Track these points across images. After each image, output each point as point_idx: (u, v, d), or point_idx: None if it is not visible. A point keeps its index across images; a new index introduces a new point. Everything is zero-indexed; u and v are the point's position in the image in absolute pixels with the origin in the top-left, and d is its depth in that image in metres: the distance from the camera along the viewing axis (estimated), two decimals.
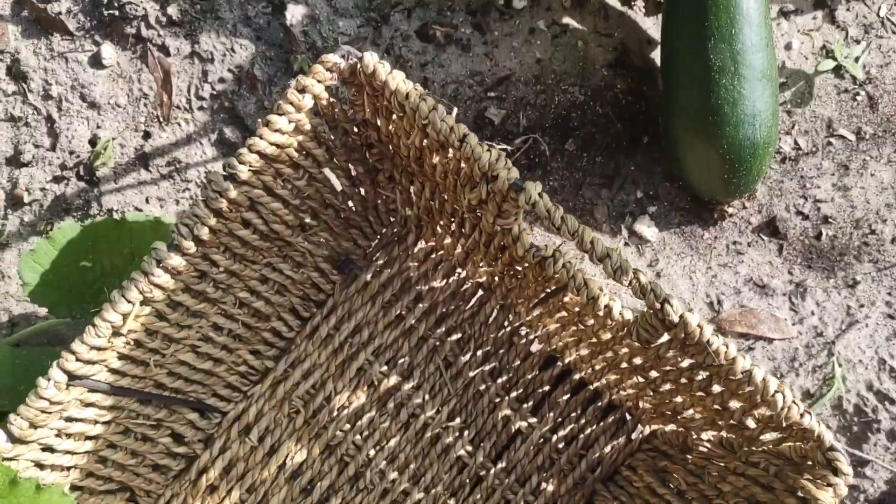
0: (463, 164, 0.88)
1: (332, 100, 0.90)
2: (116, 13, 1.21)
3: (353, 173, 1.02)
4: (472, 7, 1.22)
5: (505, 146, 1.18)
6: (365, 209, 1.07)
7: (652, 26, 1.23)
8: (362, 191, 1.04)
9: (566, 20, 1.22)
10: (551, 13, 1.22)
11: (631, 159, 1.20)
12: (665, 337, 0.83)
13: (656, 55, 1.22)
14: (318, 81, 0.86)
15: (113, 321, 0.82)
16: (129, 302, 0.82)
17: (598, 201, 1.18)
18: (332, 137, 0.94)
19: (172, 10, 1.21)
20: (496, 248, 0.95)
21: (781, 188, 1.17)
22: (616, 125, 1.20)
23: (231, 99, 1.20)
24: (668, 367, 0.90)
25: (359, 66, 0.86)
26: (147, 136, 1.21)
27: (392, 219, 1.11)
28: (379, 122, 0.93)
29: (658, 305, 0.77)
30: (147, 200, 1.19)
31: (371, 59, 0.85)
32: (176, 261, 0.84)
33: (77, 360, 0.82)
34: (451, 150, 0.87)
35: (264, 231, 0.95)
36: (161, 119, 1.21)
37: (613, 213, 1.18)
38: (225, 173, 0.85)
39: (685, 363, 0.87)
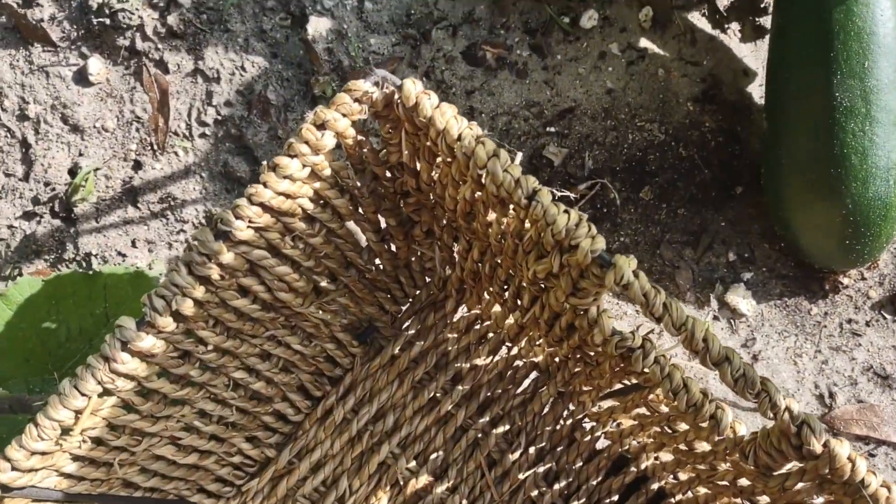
0: (528, 227, 0.68)
1: (359, 138, 0.70)
2: (107, 21, 1.02)
3: (384, 226, 0.81)
4: (531, 26, 1.02)
5: (566, 192, 0.97)
6: (395, 268, 0.86)
7: (749, 54, 1.02)
8: (393, 247, 0.84)
9: (644, 44, 1.01)
10: (626, 35, 1.02)
11: (721, 213, 0.98)
12: (795, 464, 0.61)
13: (754, 89, 1.01)
14: (343, 115, 0.66)
15: (61, 419, 0.62)
16: (84, 395, 0.62)
17: (680, 263, 0.97)
18: (359, 184, 0.73)
19: (173, 20, 1.02)
20: (562, 327, 0.74)
21: None
22: (703, 171, 0.99)
23: (239, 126, 1.00)
24: (790, 502, 0.68)
25: (396, 96, 0.66)
26: (138, 166, 1.01)
27: (428, 279, 0.90)
28: (419, 167, 0.72)
29: (794, 429, 0.57)
30: (133, 243, 0.99)
31: (412, 87, 0.65)
32: (148, 342, 0.64)
33: (14, 468, 0.62)
34: (513, 207, 0.66)
35: (267, 300, 0.74)
36: (155, 147, 1.01)
37: (700, 279, 0.96)
38: (217, 231, 0.65)
39: (819, 500, 0.65)
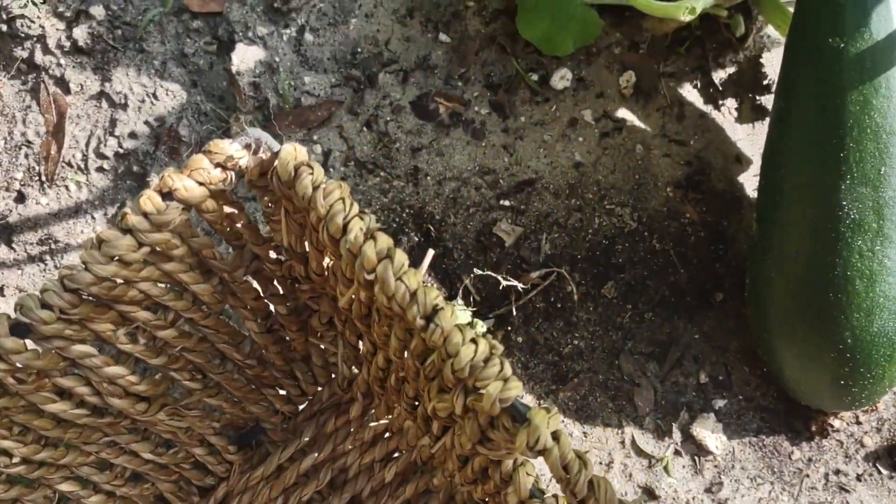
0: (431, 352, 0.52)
1: (228, 210, 0.55)
2: (3, 28, 0.87)
3: (273, 312, 0.66)
4: (494, 80, 0.87)
5: (513, 281, 0.82)
6: (289, 362, 0.70)
7: (744, 137, 0.87)
8: (287, 337, 0.68)
9: (623, 113, 0.86)
10: (603, 101, 0.87)
11: (695, 324, 0.82)
12: None
13: (747, 179, 0.86)
14: (200, 183, 0.50)
15: None
16: None
17: (641, 380, 0.81)
18: (233, 267, 0.58)
19: (80, 33, 0.87)
20: (474, 470, 0.58)
21: None
22: (679, 271, 0.83)
23: (143, 162, 0.85)
24: None
25: (274, 166, 0.51)
26: (20, 198, 0.86)
27: (333, 375, 0.74)
28: (308, 250, 0.57)
29: None
30: (2, 291, 0.83)
31: (291, 157, 0.50)
32: None
33: None
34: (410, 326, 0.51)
35: (96, 404, 0.59)
36: (44, 177, 0.86)
37: (663, 402, 0.80)
38: (15, 322, 0.50)
39: None
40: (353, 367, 0.71)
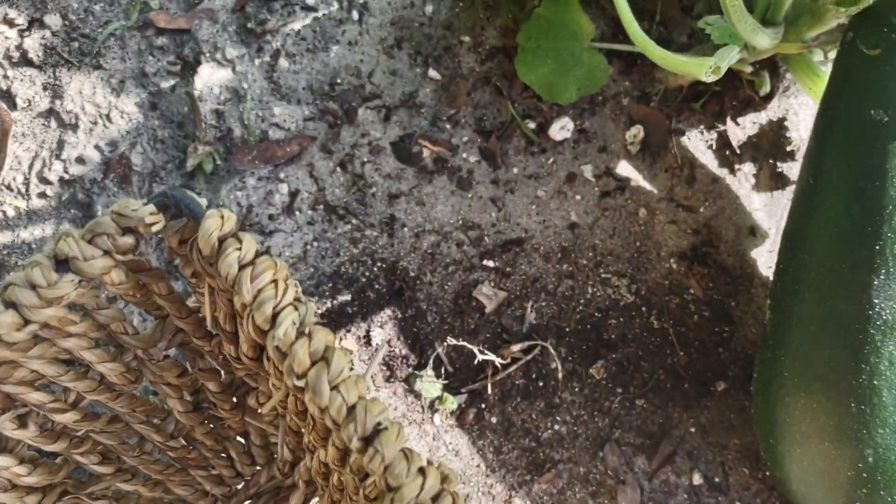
0: (371, 474, 0.44)
1: (145, 280, 0.46)
2: None
3: (203, 387, 0.57)
4: (486, 125, 0.78)
5: (490, 356, 0.73)
6: (222, 440, 0.61)
7: (762, 207, 0.78)
8: (219, 415, 0.59)
9: (627, 172, 0.78)
10: (606, 157, 0.78)
11: (692, 415, 0.73)
12: None
13: (761, 254, 0.77)
14: (104, 251, 0.41)
15: None
16: None
17: (626, 476, 0.72)
18: (148, 344, 0.49)
19: (32, 44, 0.79)
20: None
21: None
22: (677, 353, 0.74)
23: (89, 191, 0.77)
24: None
25: (196, 236, 0.42)
26: None
27: (274, 455, 0.65)
28: (239, 331, 0.48)
29: None
30: None
31: (217, 223, 0.41)
32: None
33: None
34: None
35: None
36: None
37: (649, 503, 0.71)
38: None
39: None
40: (295, 450, 0.62)
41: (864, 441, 0.60)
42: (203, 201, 0.43)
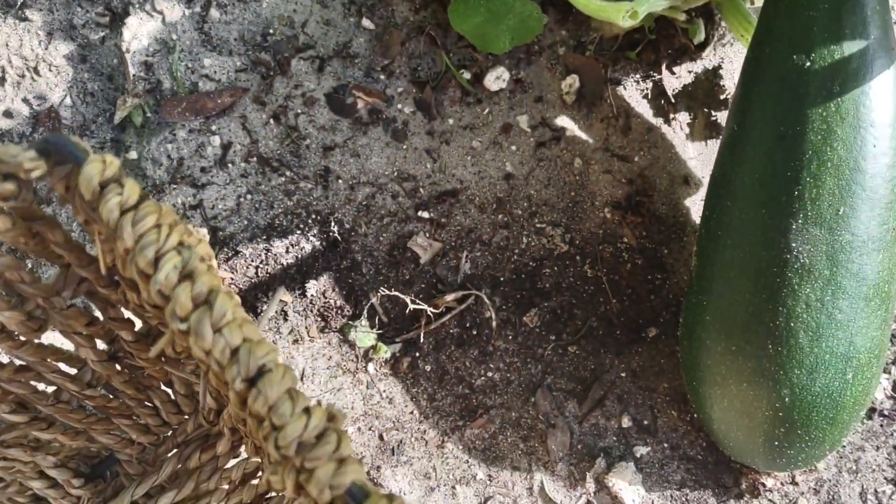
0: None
1: (37, 227, 0.46)
2: None
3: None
4: (421, 75, 0.78)
5: (422, 305, 0.74)
6: (143, 389, 0.62)
7: (696, 157, 0.78)
8: (140, 362, 0.59)
9: (563, 122, 0.77)
10: (542, 107, 0.78)
11: (623, 360, 0.74)
12: None
13: (694, 203, 0.77)
14: None
15: None
16: None
17: (557, 420, 0.73)
18: (53, 290, 0.49)
19: None
20: None
21: (859, 461, 0.71)
22: (610, 300, 0.75)
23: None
24: None
25: (78, 180, 0.42)
26: None
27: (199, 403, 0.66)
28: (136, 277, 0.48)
29: None
30: None
31: (99, 168, 0.41)
32: None
33: None
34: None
35: None
36: None
37: (579, 447, 0.72)
38: None
39: None
40: (220, 399, 0.63)
41: (782, 381, 0.61)
42: (87, 147, 0.43)
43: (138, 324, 0.59)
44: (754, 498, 0.70)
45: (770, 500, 0.71)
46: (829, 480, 0.71)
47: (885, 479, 0.70)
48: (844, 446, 0.71)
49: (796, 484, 0.71)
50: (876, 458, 0.71)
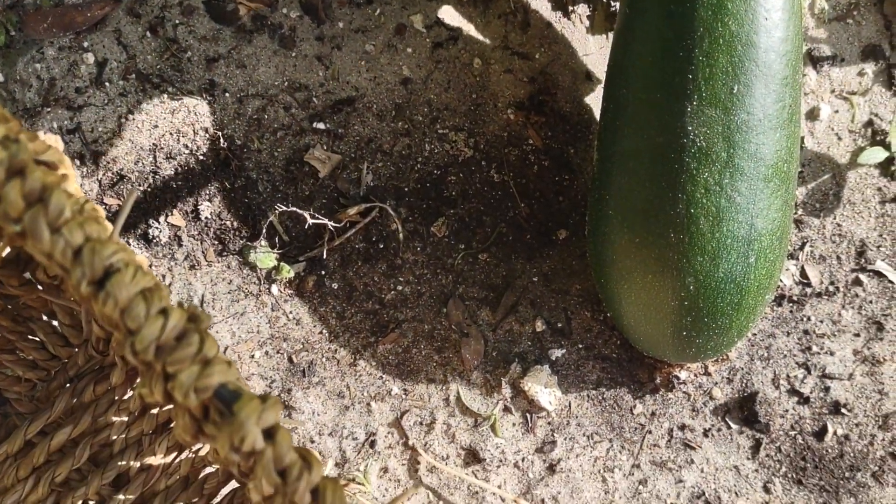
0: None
1: None
2: None
3: None
4: None
5: (322, 219, 0.70)
6: (24, 321, 0.58)
7: (597, 52, 0.75)
8: (12, 290, 0.55)
9: (459, 21, 0.74)
10: (436, 5, 0.74)
11: (535, 265, 0.72)
12: None
13: (597, 99, 0.75)
14: None
15: None
16: None
17: (470, 329, 0.71)
18: None
19: None
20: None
21: (770, 347, 0.71)
22: (518, 205, 0.73)
23: None
24: None
25: None
26: None
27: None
28: None
29: None
30: None
31: None
32: None
33: None
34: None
35: None
36: None
37: (493, 354, 0.71)
38: None
39: None
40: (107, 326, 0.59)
41: (685, 270, 0.60)
42: None
43: (6, 249, 0.55)
44: (669, 391, 0.70)
45: (685, 392, 0.71)
46: (742, 368, 0.71)
47: (797, 363, 0.71)
48: (755, 334, 0.71)
49: (709, 374, 0.71)
50: (787, 344, 0.71)
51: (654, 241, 0.60)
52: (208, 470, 0.61)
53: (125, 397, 0.62)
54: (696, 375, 0.70)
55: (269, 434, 0.36)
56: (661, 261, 0.60)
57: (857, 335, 0.71)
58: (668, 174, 0.59)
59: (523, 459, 0.69)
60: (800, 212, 0.72)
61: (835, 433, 0.70)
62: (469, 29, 0.74)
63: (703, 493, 0.69)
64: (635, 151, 0.61)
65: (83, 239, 0.36)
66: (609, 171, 0.63)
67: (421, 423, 0.69)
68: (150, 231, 0.70)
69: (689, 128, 0.58)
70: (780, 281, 0.72)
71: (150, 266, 0.70)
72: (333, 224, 0.70)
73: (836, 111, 0.73)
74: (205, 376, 0.36)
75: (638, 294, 0.63)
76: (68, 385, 0.62)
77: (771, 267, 0.61)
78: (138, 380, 0.62)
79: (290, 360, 0.70)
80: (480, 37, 0.74)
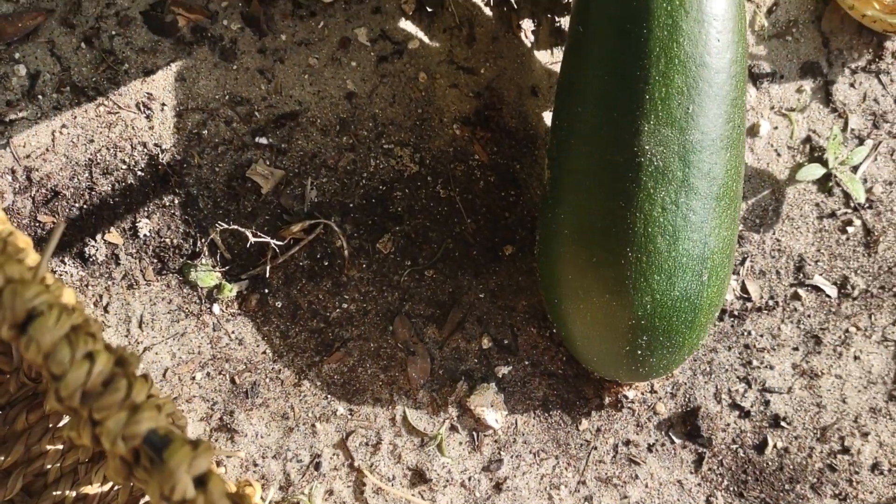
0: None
1: None
2: None
3: None
4: None
5: (264, 237, 0.69)
6: None
7: (542, 66, 0.75)
8: None
9: (404, 34, 0.73)
10: (381, 18, 0.73)
11: (481, 281, 0.72)
12: None
13: (543, 115, 0.75)
14: None
15: None
16: None
17: (417, 347, 0.70)
18: None
19: None
20: None
21: (712, 362, 0.72)
22: (465, 221, 0.72)
23: None
24: None
25: None
26: None
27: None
28: None
29: None
30: None
31: None
32: None
33: None
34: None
35: None
36: None
37: (440, 372, 0.70)
38: None
39: None
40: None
41: (642, 289, 0.60)
42: None
43: None
44: (617, 411, 0.71)
45: (631, 408, 0.71)
46: (685, 384, 0.72)
47: (738, 377, 0.72)
48: (698, 349, 0.72)
49: (655, 391, 0.71)
50: (728, 359, 0.72)
51: (611, 259, 0.60)
52: (147, 499, 0.60)
53: (59, 425, 0.60)
54: (642, 393, 0.71)
55: (201, 481, 0.35)
56: (619, 280, 0.60)
57: (796, 349, 0.72)
58: (626, 192, 0.59)
59: (470, 479, 0.69)
60: (741, 227, 0.73)
61: (775, 446, 0.71)
62: (414, 42, 0.73)
63: None
64: (591, 169, 0.60)
65: (3, 281, 0.35)
66: (563, 188, 0.62)
67: (367, 444, 0.69)
68: (87, 249, 0.68)
69: (647, 147, 0.58)
70: None
71: (87, 286, 0.68)
72: (276, 241, 0.69)
73: (776, 127, 0.74)
74: (133, 423, 0.35)
75: (594, 313, 0.62)
76: (0, 413, 0.60)
77: (721, 284, 0.62)
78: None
79: (233, 381, 0.69)
80: (426, 50, 0.73)
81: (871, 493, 0.71)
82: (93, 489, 0.60)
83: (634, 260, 0.60)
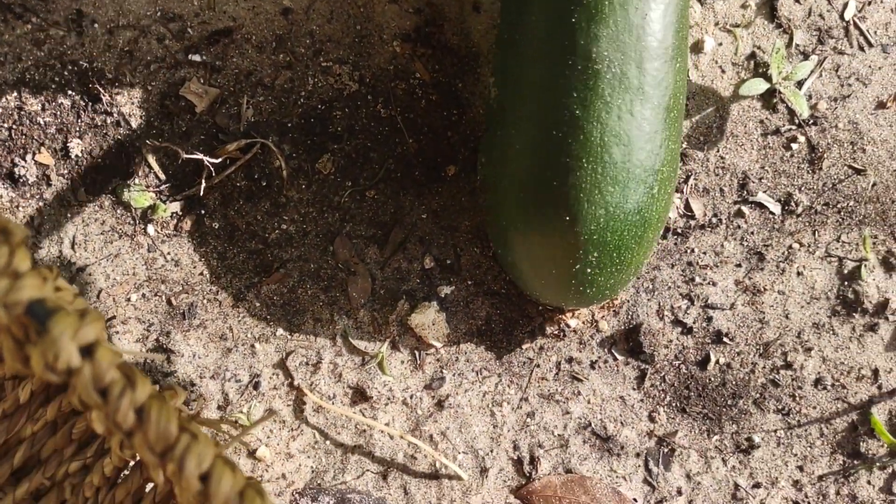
0: None
1: None
2: None
3: None
4: None
5: (199, 156, 0.68)
6: None
7: None
8: None
9: None
10: None
11: (423, 201, 0.71)
12: None
13: (485, 31, 0.73)
14: None
15: None
16: None
17: (357, 268, 0.70)
18: None
19: None
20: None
21: (655, 279, 0.72)
22: (407, 140, 0.71)
23: None
24: None
25: None
26: None
27: None
28: None
29: None
30: None
31: None
32: None
33: None
34: None
35: None
36: None
37: (381, 292, 0.70)
38: None
39: None
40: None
41: (597, 202, 0.57)
42: None
43: None
44: (559, 340, 0.70)
45: (574, 329, 0.71)
46: (628, 301, 0.72)
47: (680, 294, 0.72)
48: (642, 270, 0.72)
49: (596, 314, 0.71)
50: (671, 276, 0.72)
51: (566, 172, 0.58)
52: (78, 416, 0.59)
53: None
54: (583, 323, 0.71)
55: (89, 351, 0.34)
56: (573, 193, 0.58)
57: (739, 266, 0.72)
58: (583, 101, 0.57)
59: (412, 396, 0.69)
60: (684, 145, 0.73)
61: (717, 362, 0.71)
62: None
63: (590, 424, 0.70)
64: (544, 79, 0.58)
65: None
66: (513, 102, 0.60)
67: (307, 364, 0.68)
68: (17, 170, 0.67)
69: (606, 53, 0.57)
70: None
71: (17, 207, 0.67)
72: (211, 160, 0.67)
73: (720, 44, 0.73)
74: (15, 290, 0.34)
75: (543, 233, 0.59)
76: None
77: (668, 199, 0.61)
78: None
79: (169, 302, 0.68)
80: None
81: (814, 408, 0.71)
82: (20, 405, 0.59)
83: (591, 171, 0.58)
